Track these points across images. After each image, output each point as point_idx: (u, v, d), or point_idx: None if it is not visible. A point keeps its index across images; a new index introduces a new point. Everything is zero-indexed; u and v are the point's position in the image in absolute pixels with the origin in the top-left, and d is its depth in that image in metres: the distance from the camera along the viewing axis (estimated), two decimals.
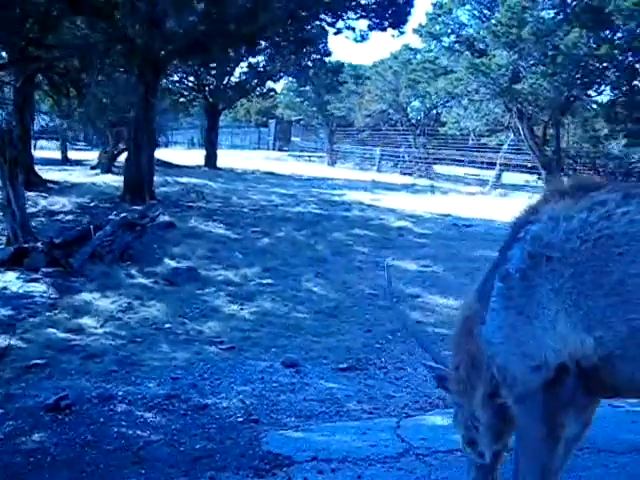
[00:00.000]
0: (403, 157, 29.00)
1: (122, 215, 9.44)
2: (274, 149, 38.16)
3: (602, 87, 18.93)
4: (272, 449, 4.01)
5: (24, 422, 4.29)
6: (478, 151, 28.51)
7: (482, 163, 28.20)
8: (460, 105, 21.64)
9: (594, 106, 20.62)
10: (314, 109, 32.25)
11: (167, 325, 6.65)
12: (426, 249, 11.54)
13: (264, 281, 8.66)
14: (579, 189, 2.69)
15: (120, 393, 4.86)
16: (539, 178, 28.26)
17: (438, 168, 28.39)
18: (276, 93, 29.43)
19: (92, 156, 23.76)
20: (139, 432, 4.27)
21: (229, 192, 16.67)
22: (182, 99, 22.39)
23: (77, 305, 7.01)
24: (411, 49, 25.82)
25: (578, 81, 17.47)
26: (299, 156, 34.56)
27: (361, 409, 5.00)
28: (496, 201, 20.22)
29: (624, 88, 18.06)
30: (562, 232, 2.55)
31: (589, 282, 2.44)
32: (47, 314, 6.74)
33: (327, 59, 19.38)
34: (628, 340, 2.35)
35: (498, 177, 23.77)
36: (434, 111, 29.61)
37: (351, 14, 13.99)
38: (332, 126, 32.35)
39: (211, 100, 22.30)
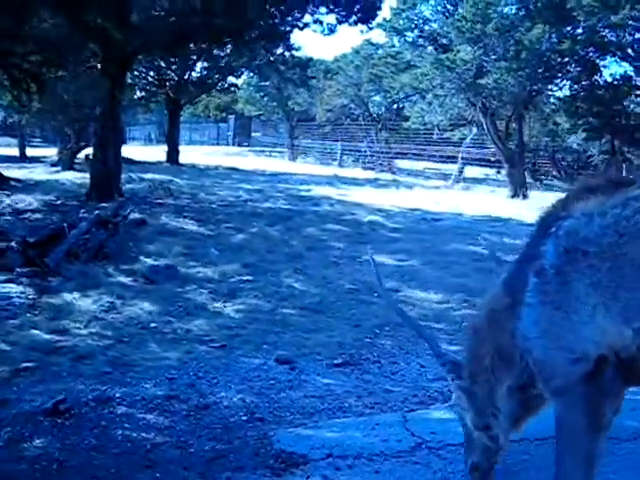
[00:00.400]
0: (365, 152, 29.06)
1: (96, 213, 9.22)
2: (234, 145, 37.85)
3: (563, 82, 19.27)
4: (285, 447, 3.95)
5: (23, 428, 4.13)
6: (439, 145, 28.81)
7: (444, 157, 28.49)
8: (424, 100, 21.75)
9: (555, 101, 20.98)
10: (274, 104, 32.10)
11: (153, 324, 6.51)
12: (400, 243, 11.56)
13: (244, 278, 8.56)
14: (609, 186, 2.74)
15: (118, 395, 4.73)
16: (498, 172, 28.73)
17: (400, 162, 28.55)
18: (238, 88, 29.18)
19: (49, 153, 23.24)
20: (144, 434, 4.16)
21: (196, 188, 16.47)
22: (143, 94, 22.01)
23: (58, 305, 6.82)
24: (372, 44, 25.87)
25: (540, 76, 17.73)
26: (260, 151, 34.36)
27: (362, 404, 4.97)
28: (460, 195, 20.43)
29: (585, 83, 18.41)
30: (597, 227, 2.58)
31: (627, 275, 2.47)
32: (27, 315, 6.53)
33: (296, 53, 19.28)
34: None
35: (461, 171, 24.01)
36: (395, 106, 29.75)
37: (322, 9, 13.94)
38: (293, 121, 32.23)
39: (173, 95, 22.00)
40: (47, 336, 5.94)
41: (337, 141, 30.25)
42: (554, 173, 27.26)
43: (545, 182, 25.04)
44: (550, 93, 20.43)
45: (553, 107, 21.43)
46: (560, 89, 19.86)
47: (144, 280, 7.95)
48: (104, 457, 3.83)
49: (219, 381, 5.20)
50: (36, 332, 6.02)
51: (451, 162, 27.74)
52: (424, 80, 18.88)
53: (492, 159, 22.60)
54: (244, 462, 3.78)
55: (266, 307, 7.48)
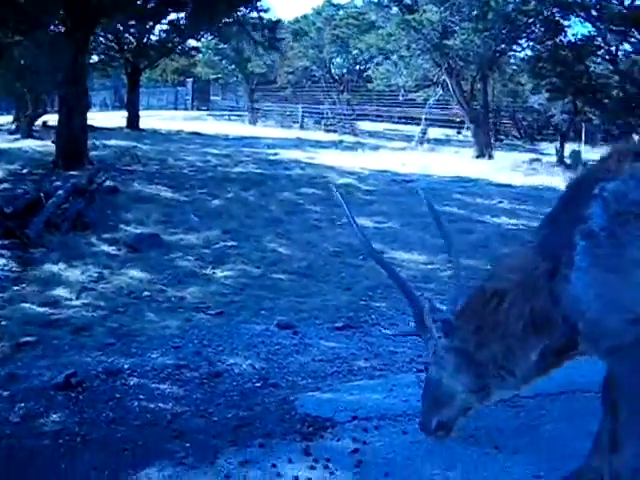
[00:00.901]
0: (326, 114, 28.85)
1: (72, 182, 8.97)
2: (192, 109, 37.16)
3: (528, 42, 19.34)
4: (309, 412, 3.95)
5: (37, 403, 4.04)
6: (401, 106, 28.77)
7: (406, 119, 28.47)
8: (389, 61, 21.61)
9: (519, 62, 21.08)
10: (233, 67, 31.54)
11: (146, 293, 6.41)
12: (376, 205, 11.58)
13: (228, 243, 8.49)
14: None
15: (127, 366, 4.65)
16: (459, 132, 28.88)
17: (361, 124, 28.45)
18: (198, 51, 28.55)
19: (3, 120, 22.47)
20: (161, 405, 4.11)
21: (162, 154, 16.13)
22: (102, 58, 21.35)
23: (44, 277, 6.65)
24: (334, 5, 25.49)
25: (505, 36, 17.75)
26: (220, 115, 33.82)
27: (371, 366, 5.00)
28: (426, 156, 20.45)
29: (549, 43, 18.51)
30: None
31: None
32: (15, 288, 6.36)
33: (264, 15, 18.89)
34: None
35: (424, 132, 24.03)
36: (358, 67, 29.53)
37: None
38: (252, 84, 31.75)
39: (132, 60, 21.40)
40: (40, 309, 5.80)
41: (298, 104, 29.94)
42: (514, 133, 27.56)
43: (506, 142, 25.30)
44: (514, 54, 20.52)
45: (515, 68, 21.52)
46: (524, 49, 19.97)
47: (128, 249, 7.81)
48: (126, 429, 3.78)
49: (225, 348, 5.15)
50: (27, 305, 5.87)
51: (413, 124, 27.79)
52: (390, 41, 18.75)
53: (457, 120, 22.66)
54: (271, 428, 3.76)
55: (255, 273, 7.43)
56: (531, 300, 2.85)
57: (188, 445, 3.56)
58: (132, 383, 4.40)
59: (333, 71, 29.15)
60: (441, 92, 21.11)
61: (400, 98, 25.90)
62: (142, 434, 3.70)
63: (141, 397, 4.20)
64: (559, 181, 16.04)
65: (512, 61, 22.78)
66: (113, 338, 5.19)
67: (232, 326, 5.67)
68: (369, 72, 29.17)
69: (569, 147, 19.77)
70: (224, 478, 3.24)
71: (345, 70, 29.24)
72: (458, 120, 23.46)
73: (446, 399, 3.06)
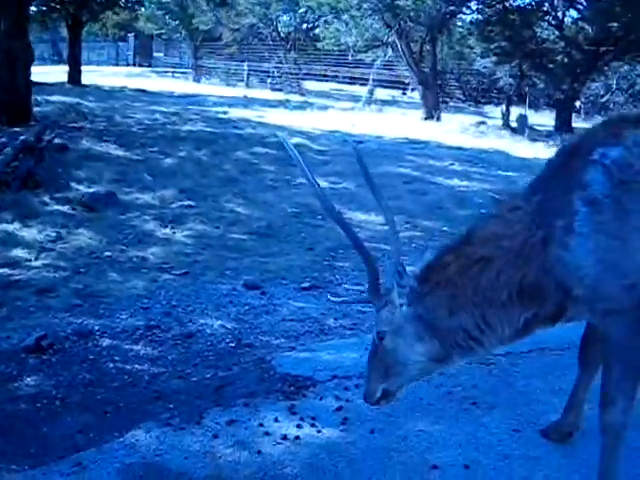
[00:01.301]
0: (272, 72, 28.45)
1: (21, 138, 8.62)
2: (134, 65, 36.08)
3: (477, 5, 19.39)
4: (289, 371, 3.97)
5: (8, 367, 3.95)
6: (348, 67, 28.61)
7: (353, 79, 28.35)
8: (340, 20, 21.38)
9: (467, 25, 21.15)
10: (177, 22, 30.67)
11: (107, 253, 6.28)
12: (330, 166, 11.55)
13: (185, 203, 8.38)
14: None
15: (96, 327, 4.58)
16: (404, 94, 28.95)
17: (308, 84, 28.20)
18: (141, 5, 27.63)
19: None
20: (137, 366, 4.06)
21: (108, 111, 15.66)
22: (43, 9, 20.40)
23: (0, 237, 6.43)
24: None
25: None
26: (163, 72, 32.94)
27: (341, 326, 5.05)
28: (374, 116, 20.47)
29: (498, 7, 18.61)
30: None
31: None
32: None
33: None
34: None
35: (371, 93, 23.99)
36: (305, 26, 29.12)
37: None
38: (196, 41, 30.97)
39: (73, 12, 20.54)
40: None
41: (244, 62, 29.39)
42: (459, 96, 27.78)
43: (451, 105, 25.48)
44: (463, 17, 20.58)
45: (461, 30, 21.60)
46: (473, 12, 20.03)
47: (83, 208, 7.61)
48: (105, 391, 3.73)
49: (194, 309, 5.12)
50: None
51: (359, 84, 27.70)
52: (342, 0, 18.53)
53: (406, 81, 22.68)
54: (253, 388, 3.77)
55: (215, 233, 7.37)
56: (523, 268, 2.79)
57: (172, 406, 3.54)
58: (104, 344, 4.34)
59: (280, 29, 28.67)
60: (391, 53, 21.04)
61: (349, 58, 25.70)
62: (122, 396, 3.66)
63: (116, 359, 4.14)
64: (506, 144, 16.38)
65: (460, 24, 22.83)
66: (79, 299, 5.09)
67: (199, 286, 5.63)
68: (317, 31, 28.82)
69: (514, 111, 20.06)
70: (212, 438, 3.24)
71: (292, 28, 28.80)
72: (406, 82, 23.46)
73: (399, 369, 2.98)
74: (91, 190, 8.15)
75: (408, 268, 3.03)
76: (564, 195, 2.72)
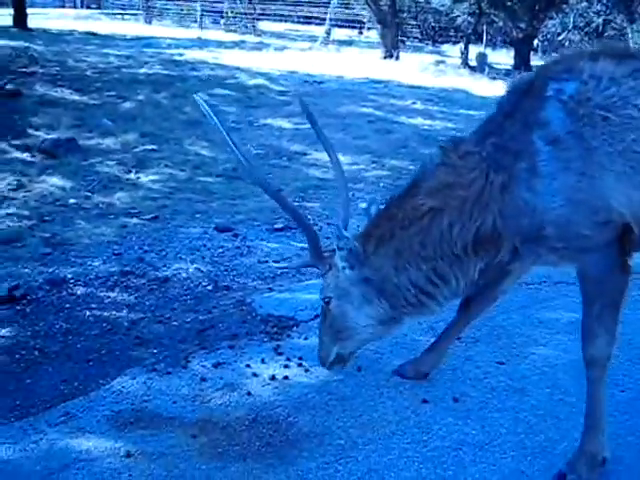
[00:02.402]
0: (226, 13, 27.64)
1: None
2: (82, 7, 34.68)
3: None
4: (270, 312, 3.96)
5: None
6: (303, 6, 27.97)
7: (307, 18, 27.76)
8: None
9: None
10: None
11: (72, 200, 6.11)
12: (292, 106, 11.33)
13: (148, 147, 8.19)
14: (613, 54, 2.63)
15: (69, 276, 4.47)
16: (360, 33, 28.50)
17: (262, 25, 27.55)
18: None
19: None
20: (115, 313, 3.99)
21: (60, 55, 15.04)
22: None
23: None
24: None
25: None
26: (113, 15, 31.73)
27: None
28: (333, 56, 20.18)
29: None
30: (616, 97, 2.52)
31: None
32: None
33: None
34: None
35: (328, 33, 23.56)
36: None
37: None
38: None
39: None
40: None
41: (196, 1, 28.48)
42: (417, 35, 27.46)
43: (408, 44, 25.20)
44: None
45: None
46: None
47: (43, 155, 7.36)
48: (85, 340, 3.66)
49: (167, 253, 5.04)
50: None
51: (314, 24, 27.14)
52: None
53: (364, 20, 22.28)
54: (236, 330, 3.75)
55: (181, 176, 7.25)
56: (479, 217, 2.68)
57: (155, 351, 3.50)
58: (79, 292, 4.25)
59: None
60: None
61: None
62: (103, 344, 3.60)
63: (92, 306, 4.06)
64: (466, 82, 16.32)
65: None
66: (48, 248, 4.96)
67: (170, 230, 5.55)
68: None
69: (471, 50, 19.93)
70: (200, 381, 3.22)
71: None
72: (363, 21, 23.06)
73: (350, 333, 2.92)
74: (50, 136, 7.87)
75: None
76: (522, 135, 2.59)
